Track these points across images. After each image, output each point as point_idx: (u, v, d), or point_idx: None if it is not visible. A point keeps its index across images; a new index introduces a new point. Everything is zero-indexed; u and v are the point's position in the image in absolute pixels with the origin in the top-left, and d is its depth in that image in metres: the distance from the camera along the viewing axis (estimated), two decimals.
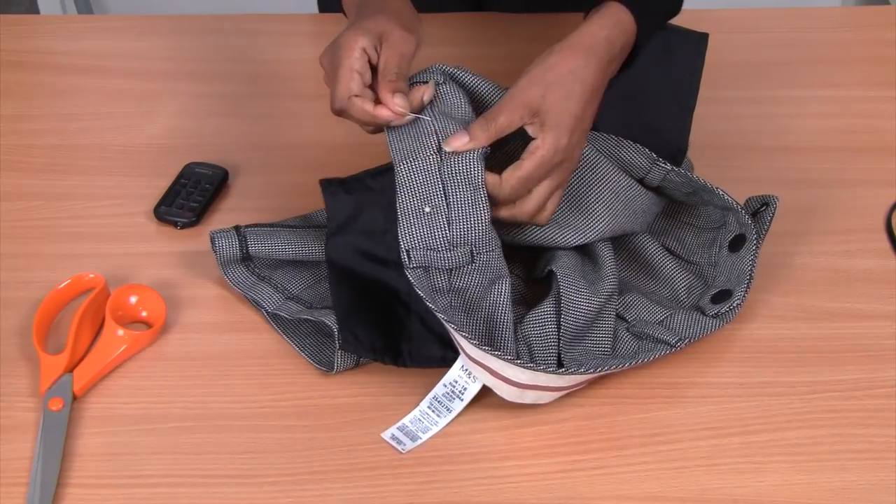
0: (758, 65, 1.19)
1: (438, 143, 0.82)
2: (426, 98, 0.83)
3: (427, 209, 0.82)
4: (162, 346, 0.89)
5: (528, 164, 0.80)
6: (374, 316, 0.86)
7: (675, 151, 0.93)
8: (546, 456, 0.81)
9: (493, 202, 0.82)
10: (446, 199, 0.81)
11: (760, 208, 0.91)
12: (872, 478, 0.80)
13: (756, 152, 1.07)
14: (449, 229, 0.82)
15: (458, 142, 0.80)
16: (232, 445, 0.81)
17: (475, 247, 0.82)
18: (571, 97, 0.80)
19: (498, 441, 0.82)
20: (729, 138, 1.09)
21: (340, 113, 0.83)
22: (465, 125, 0.82)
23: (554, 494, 0.79)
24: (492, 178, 0.81)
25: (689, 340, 0.86)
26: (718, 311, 0.88)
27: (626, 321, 0.90)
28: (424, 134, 0.83)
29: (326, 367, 0.86)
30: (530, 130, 0.81)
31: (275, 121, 1.11)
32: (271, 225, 0.94)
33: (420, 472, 0.80)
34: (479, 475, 0.80)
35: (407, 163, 0.82)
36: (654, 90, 0.94)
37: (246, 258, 0.92)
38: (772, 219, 0.90)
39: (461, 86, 0.87)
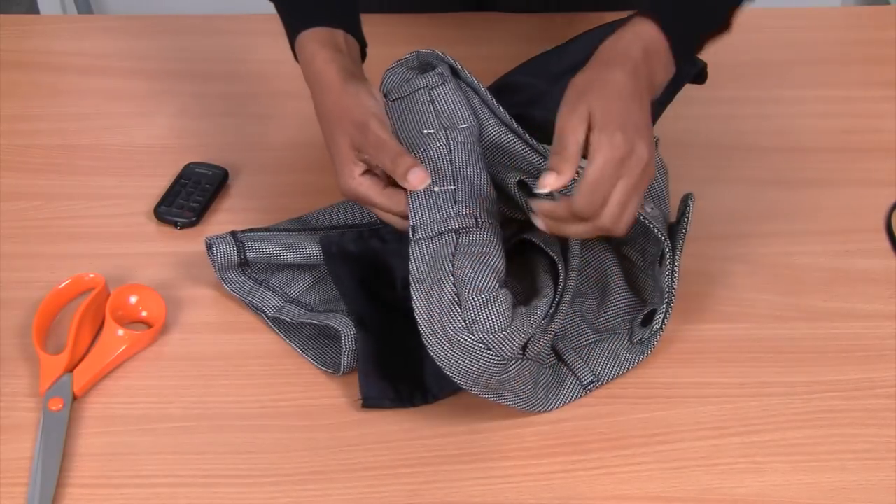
0: (758, 65, 1.19)
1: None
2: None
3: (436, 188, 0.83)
4: (162, 346, 0.89)
5: (591, 169, 0.77)
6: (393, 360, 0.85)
7: None
8: (546, 456, 0.81)
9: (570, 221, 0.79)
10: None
11: (686, 210, 0.88)
12: (872, 478, 0.80)
13: (756, 152, 1.07)
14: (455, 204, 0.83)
15: (548, 180, 0.77)
16: (232, 445, 0.81)
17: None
18: (609, 97, 0.79)
19: (498, 441, 0.82)
20: (729, 138, 1.09)
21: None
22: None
23: (554, 494, 0.79)
24: (564, 200, 0.78)
25: (600, 383, 0.85)
26: (641, 338, 0.86)
27: (556, 332, 0.86)
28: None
29: (332, 368, 0.86)
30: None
31: (275, 121, 1.11)
32: (267, 229, 0.94)
33: (420, 472, 0.80)
34: (479, 475, 0.80)
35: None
36: None
37: (243, 263, 0.91)
38: (687, 224, 0.88)
39: (456, 75, 0.87)
